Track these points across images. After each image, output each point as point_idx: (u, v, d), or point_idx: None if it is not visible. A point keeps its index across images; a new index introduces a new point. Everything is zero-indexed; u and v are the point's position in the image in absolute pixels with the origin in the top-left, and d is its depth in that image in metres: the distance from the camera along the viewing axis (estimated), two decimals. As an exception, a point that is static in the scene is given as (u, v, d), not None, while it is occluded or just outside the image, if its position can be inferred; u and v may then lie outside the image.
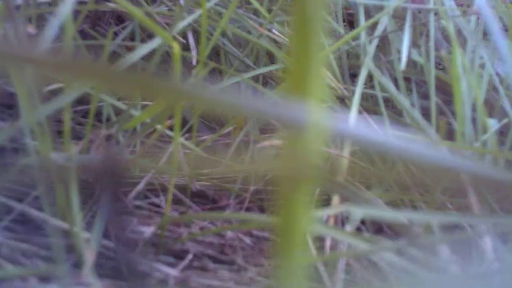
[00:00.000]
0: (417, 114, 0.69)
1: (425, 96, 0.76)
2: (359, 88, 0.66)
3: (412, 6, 0.79)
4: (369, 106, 0.74)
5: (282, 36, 0.74)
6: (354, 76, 0.81)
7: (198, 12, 0.64)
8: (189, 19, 0.63)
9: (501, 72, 0.76)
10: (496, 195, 0.56)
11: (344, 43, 0.74)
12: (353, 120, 0.63)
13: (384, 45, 0.81)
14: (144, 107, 0.66)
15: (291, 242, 0.18)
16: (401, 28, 0.78)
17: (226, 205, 0.63)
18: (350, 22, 0.92)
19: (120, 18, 0.85)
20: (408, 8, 0.79)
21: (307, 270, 0.18)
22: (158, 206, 0.61)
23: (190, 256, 0.55)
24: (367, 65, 0.71)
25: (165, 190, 0.61)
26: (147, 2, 0.80)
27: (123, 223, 0.54)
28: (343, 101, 0.71)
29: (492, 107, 0.74)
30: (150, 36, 0.77)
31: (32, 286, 0.47)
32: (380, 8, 0.82)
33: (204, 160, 0.63)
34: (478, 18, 0.79)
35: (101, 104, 0.67)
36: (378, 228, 0.62)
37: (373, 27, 0.79)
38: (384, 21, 0.78)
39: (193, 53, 0.72)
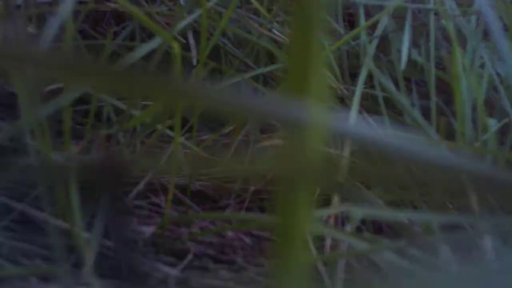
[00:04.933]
0: (417, 114, 0.69)
1: (425, 96, 0.76)
2: (359, 88, 0.66)
3: (412, 6, 0.79)
4: (369, 106, 0.74)
5: (282, 36, 0.74)
6: (354, 76, 0.81)
7: (198, 12, 0.64)
8: (189, 19, 0.63)
9: (501, 72, 0.76)
10: (496, 195, 0.55)
11: (344, 43, 0.74)
12: (353, 120, 0.63)
13: (384, 45, 0.81)
14: (144, 107, 0.66)
15: (291, 242, 0.18)
16: (401, 28, 0.78)
17: (226, 205, 0.63)
18: (350, 22, 0.92)
19: (120, 18, 0.85)
20: (408, 8, 0.79)
21: (307, 270, 0.18)
22: (158, 206, 0.61)
23: (190, 256, 0.55)
24: (367, 65, 0.71)
25: (165, 190, 0.61)
26: (147, 2, 0.80)
27: (123, 223, 0.54)
28: (343, 101, 0.71)
29: (492, 107, 0.74)
30: (150, 36, 0.77)
31: (32, 286, 0.47)
32: (380, 8, 0.82)
33: (204, 160, 0.63)
34: (478, 18, 0.79)
35: (101, 104, 0.67)
36: (378, 228, 0.62)
37: (373, 27, 0.79)
38: (384, 21, 0.78)
39: (193, 53, 0.72)
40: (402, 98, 0.71)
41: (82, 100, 0.67)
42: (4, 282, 0.47)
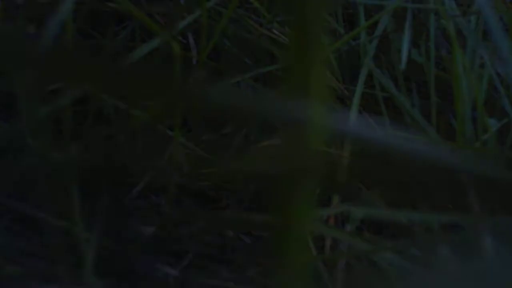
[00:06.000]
0: (417, 114, 0.69)
1: (425, 96, 0.76)
2: (359, 88, 0.66)
3: (412, 6, 0.79)
4: (369, 106, 0.74)
5: (282, 36, 0.74)
6: (354, 76, 0.81)
7: (198, 12, 0.64)
8: (189, 19, 0.63)
9: (501, 72, 0.76)
10: (496, 195, 0.55)
11: (344, 43, 0.74)
12: (353, 120, 0.63)
13: (384, 45, 0.81)
14: (144, 107, 0.66)
15: (291, 242, 0.18)
16: (401, 28, 0.78)
17: (226, 205, 0.63)
18: (350, 22, 0.92)
19: (120, 18, 0.85)
20: (408, 8, 0.79)
21: (307, 270, 0.18)
22: (158, 206, 0.61)
23: (190, 256, 0.55)
24: (367, 65, 0.71)
25: (165, 190, 0.61)
26: (147, 2, 0.80)
27: (123, 223, 0.54)
28: (343, 101, 0.71)
29: (492, 107, 0.74)
30: (150, 36, 0.77)
31: (32, 286, 0.47)
32: (380, 8, 0.82)
33: (204, 160, 0.63)
34: (478, 18, 0.79)
35: (101, 104, 0.67)
36: (378, 228, 0.62)
37: (373, 27, 0.79)
38: (384, 21, 0.78)
39: (193, 53, 0.72)
40: (402, 98, 0.71)
41: (82, 100, 0.67)
42: (4, 282, 0.47)
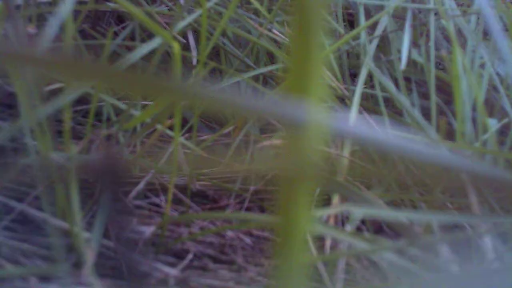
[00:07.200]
0: (417, 114, 0.69)
1: (425, 96, 0.76)
2: (359, 88, 0.66)
3: (412, 6, 0.79)
4: (369, 106, 0.74)
5: (282, 36, 0.74)
6: (354, 76, 0.82)
7: (198, 12, 0.64)
8: (189, 19, 0.63)
9: (501, 72, 0.76)
10: (496, 195, 0.56)
11: (344, 43, 0.74)
12: (353, 120, 0.63)
13: (384, 45, 0.81)
14: (144, 107, 0.66)
15: (291, 242, 0.18)
16: (401, 28, 0.78)
17: (226, 205, 0.63)
18: (350, 22, 0.92)
19: (120, 18, 0.85)
20: (408, 8, 0.79)
21: (307, 270, 0.18)
22: (158, 206, 0.61)
23: (190, 256, 0.55)
24: (367, 65, 0.71)
25: (165, 190, 0.61)
26: (147, 2, 0.80)
27: (123, 223, 0.54)
28: (343, 101, 0.71)
29: (492, 107, 0.74)
30: (150, 36, 0.77)
31: (32, 286, 0.47)
32: (380, 8, 0.82)
33: (204, 160, 0.63)
34: (478, 18, 0.79)
35: (101, 104, 0.67)
36: (378, 228, 0.62)
37: (373, 27, 0.79)
38: (384, 21, 0.78)
39: (193, 53, 0.72)
40: (402, 98, 0.71)
41: (82, 100, 0.67)
42: (4, 282, 0.47)
